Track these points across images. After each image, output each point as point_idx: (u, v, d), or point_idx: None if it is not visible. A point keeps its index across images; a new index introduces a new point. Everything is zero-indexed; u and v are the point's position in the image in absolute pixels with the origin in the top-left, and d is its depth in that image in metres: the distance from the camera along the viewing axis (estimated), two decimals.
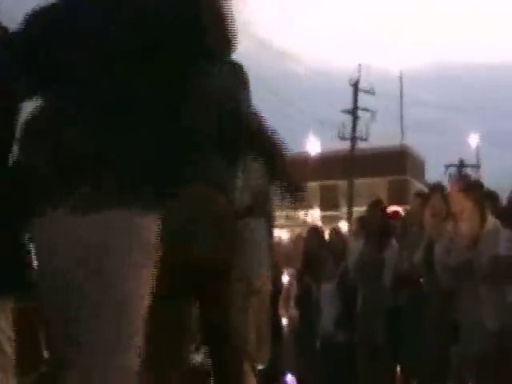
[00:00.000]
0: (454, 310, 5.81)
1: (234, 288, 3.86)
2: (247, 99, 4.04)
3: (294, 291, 8.29)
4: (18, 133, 2.57)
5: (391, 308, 6.90)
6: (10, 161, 2.61)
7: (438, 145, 46.62)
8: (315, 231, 8.62)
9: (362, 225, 7.73)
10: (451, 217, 5.93)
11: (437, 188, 6.72)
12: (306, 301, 8.00)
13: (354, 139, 27.06)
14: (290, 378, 8.92)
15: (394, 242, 7.21)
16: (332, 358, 7.39)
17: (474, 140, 37.50)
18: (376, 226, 7.26)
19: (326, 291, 7.64)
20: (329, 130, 29.61)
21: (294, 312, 8.22)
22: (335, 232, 8.66)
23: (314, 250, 8.10)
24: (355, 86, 28.09)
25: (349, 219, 20.01)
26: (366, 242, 7.34)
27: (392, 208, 8.87)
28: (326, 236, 8.49)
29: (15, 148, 2.59)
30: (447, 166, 34.61)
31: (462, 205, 5.67)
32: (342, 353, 7.30)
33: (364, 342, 7.03)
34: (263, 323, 4.83)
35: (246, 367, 3.95)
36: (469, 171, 33.18)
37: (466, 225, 5.67)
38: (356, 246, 7.47)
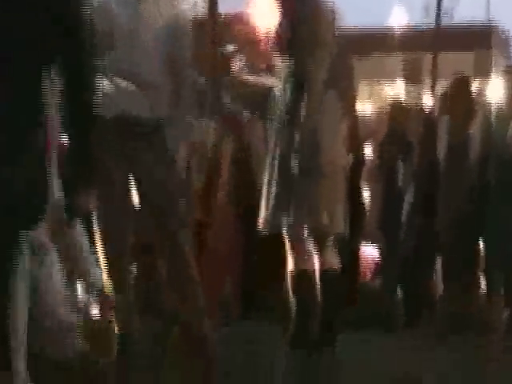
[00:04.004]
0: None
1: None
2: None
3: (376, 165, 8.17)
4: None
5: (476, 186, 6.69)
6: None
7: None
8: (398, 105, 8.37)
9: (448, 101, 7.52)
10: None
11: None
12: (389, 174, 7.81)
13: (438, 13, 26.12)
14: (370, 249, 8.86)
15: (480, 119, 6.93)
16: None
17: None
18: (462, 103, 7.02)
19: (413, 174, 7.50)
20: (414, 4, 28.83)
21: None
22: (419, 108, 8.55)
23: (397, 124, 7.89)
24: None
25: (432, 93, 19.48)
26: (451, 119, 7.07)
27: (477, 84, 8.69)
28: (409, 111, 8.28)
29: None
30: None
31: None
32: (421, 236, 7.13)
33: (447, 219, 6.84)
34: (337, 195, 4.68)
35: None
36: None
37: None
38: (441, 125, 7.21)
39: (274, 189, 4.62)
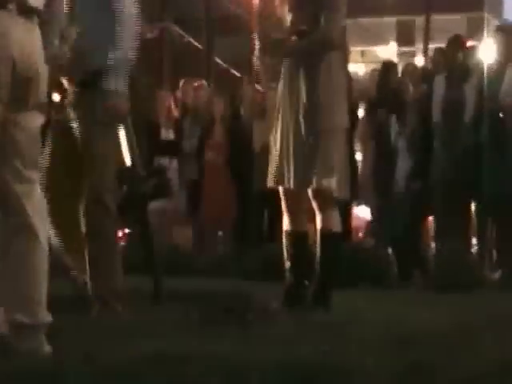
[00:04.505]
0: None
1: None
2: None
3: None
4: None
5: (470, 145, 6.73)
6: None
7: None
8: (390, 65, 8.37)
9: (442, 57, 7.55)
10: None
11: None
12: (382, 135, 7.80)
13: None
14: (363, 208, 8.90)
15: (474, 77, 6.95)
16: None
17: None
18: (457, 61, 7.04)
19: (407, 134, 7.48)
20: None
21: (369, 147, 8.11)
22: (411, 66, 8.59)
23: (389, 84, 7.85)
24: None
25: (425, 55, 19.41)
26: (446, 76, 7.07)
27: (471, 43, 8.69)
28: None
29: None
30: None
31: None
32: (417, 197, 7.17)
33: (440, 180, 6.86)
34: (342, 158, 4.68)
35: None
36: None
37: None
38: (437, 83, 7.21)
39: (284, 149, 4.60)
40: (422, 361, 2.63)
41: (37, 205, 2.90)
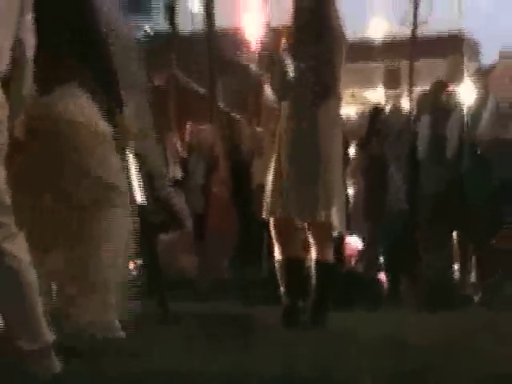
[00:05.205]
0: None
1: None
2: None
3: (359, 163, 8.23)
4: None
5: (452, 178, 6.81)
6: None
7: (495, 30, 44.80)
8: (378, 107, 8.56)
9: (426, 100, 7.64)
10: None
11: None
12: (372, 171, 7.87)
13: (415, 24, 26.23)
14: (354, 239, 8.89)
15: (457, 115, 7.06)
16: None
17: None
18: (439, 103, 7.13)
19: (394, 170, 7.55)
20: (392, 16, 28.84)
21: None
22: (396, 107, 8.68)
23: (377, 124, 7.96)
24: None
25: (410, 97, 19.53)
26: (430, 117, 7.15)
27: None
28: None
29: None
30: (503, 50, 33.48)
31: None
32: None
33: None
34: (340, 192, 4.72)
35: None
36: None
37: None
38: (421, 122, 7.30)
39: (284, 182, 4.62)
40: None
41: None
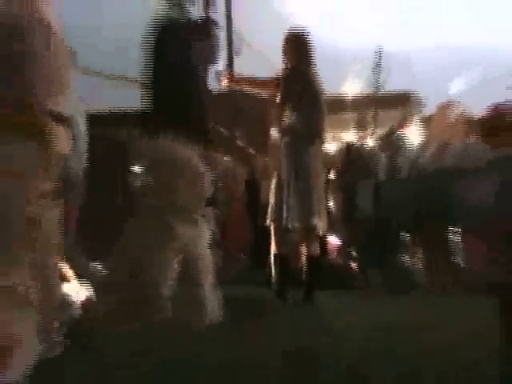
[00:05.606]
0: None
1: None
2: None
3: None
4: None
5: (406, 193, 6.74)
6: None
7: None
8: (349, 147, 8.70)
9: (384, 140, 7.64)
10: None
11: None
12: (346, 189, 7.86)
13: (377, 84, 26.20)
14: (334, 239, 8.84)
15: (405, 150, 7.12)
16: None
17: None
18: (393, 142, 7.35)
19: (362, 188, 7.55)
20: (361, 80, 28.84)
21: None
22: (363, 145, 8.85)
23: (350, 156, 8.13)
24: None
25: (373, 137, 19.47)
26: (387, 151, 7.25)
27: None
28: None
29: None
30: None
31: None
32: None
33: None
34: (323, 204, 4.72)
35: None
36: None
37: None
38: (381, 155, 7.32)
39: (284, 199, 4.66)
40: None
41: None
